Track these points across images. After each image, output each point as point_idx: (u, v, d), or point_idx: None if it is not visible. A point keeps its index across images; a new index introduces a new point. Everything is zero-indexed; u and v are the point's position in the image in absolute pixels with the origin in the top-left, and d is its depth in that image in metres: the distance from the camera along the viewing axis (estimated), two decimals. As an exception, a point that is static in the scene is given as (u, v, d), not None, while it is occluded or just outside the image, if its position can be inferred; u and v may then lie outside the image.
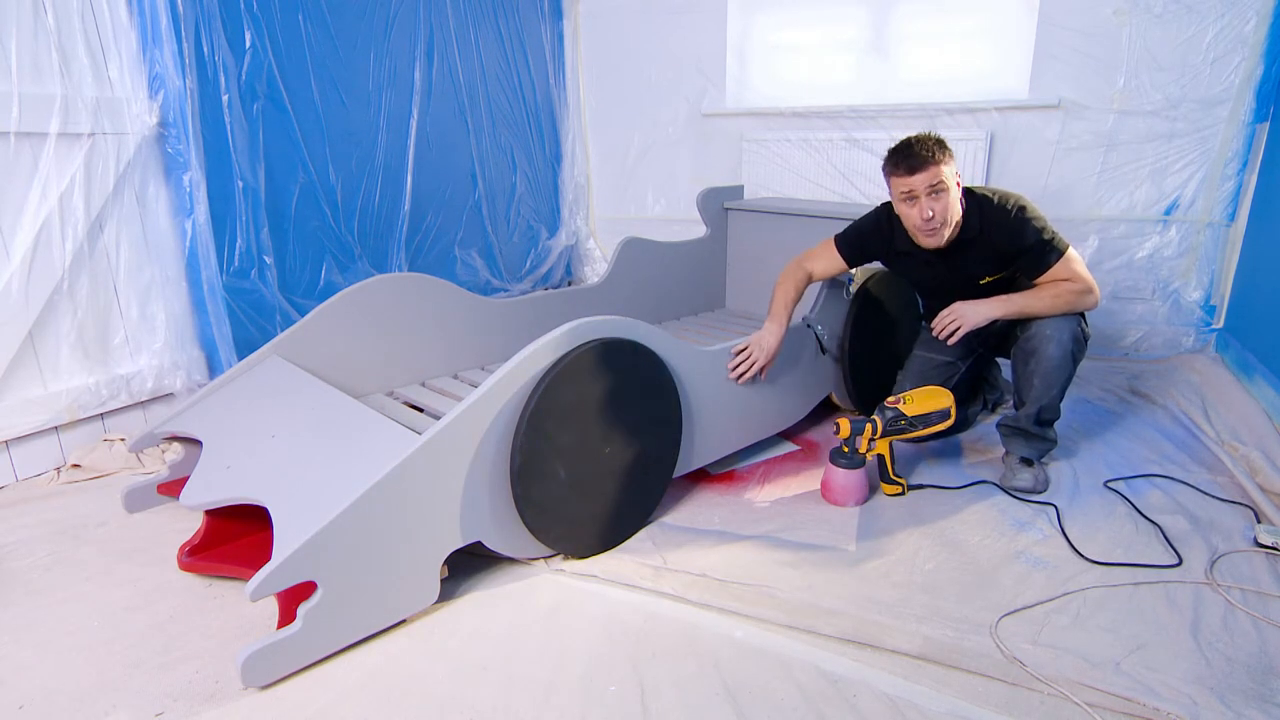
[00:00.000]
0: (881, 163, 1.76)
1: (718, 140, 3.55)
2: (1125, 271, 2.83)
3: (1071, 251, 1.75)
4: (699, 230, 2.93)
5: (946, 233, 1.74)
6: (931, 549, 1.61)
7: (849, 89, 3.25)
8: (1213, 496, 1.79)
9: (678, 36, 3.53)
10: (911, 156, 1.68)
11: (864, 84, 3.22)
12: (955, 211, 1.73)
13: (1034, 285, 1.80)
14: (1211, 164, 2.64)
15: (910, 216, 1.75)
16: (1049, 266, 1.74)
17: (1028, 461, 1.86)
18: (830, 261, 2.00)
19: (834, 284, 2.13)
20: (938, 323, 1.82)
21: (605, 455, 1.55)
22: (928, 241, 1.76)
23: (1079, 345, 1.78)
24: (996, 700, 1.18)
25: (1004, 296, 1.78)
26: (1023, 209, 1.75)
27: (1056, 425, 1.91)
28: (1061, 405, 1.85)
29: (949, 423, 1.84)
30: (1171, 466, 1.96)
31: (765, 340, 1.85)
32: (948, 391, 1.86)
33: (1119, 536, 1.64)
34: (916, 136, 1.71)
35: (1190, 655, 1.26)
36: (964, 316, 1.78)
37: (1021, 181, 2.90)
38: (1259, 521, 1.66)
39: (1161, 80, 2.63)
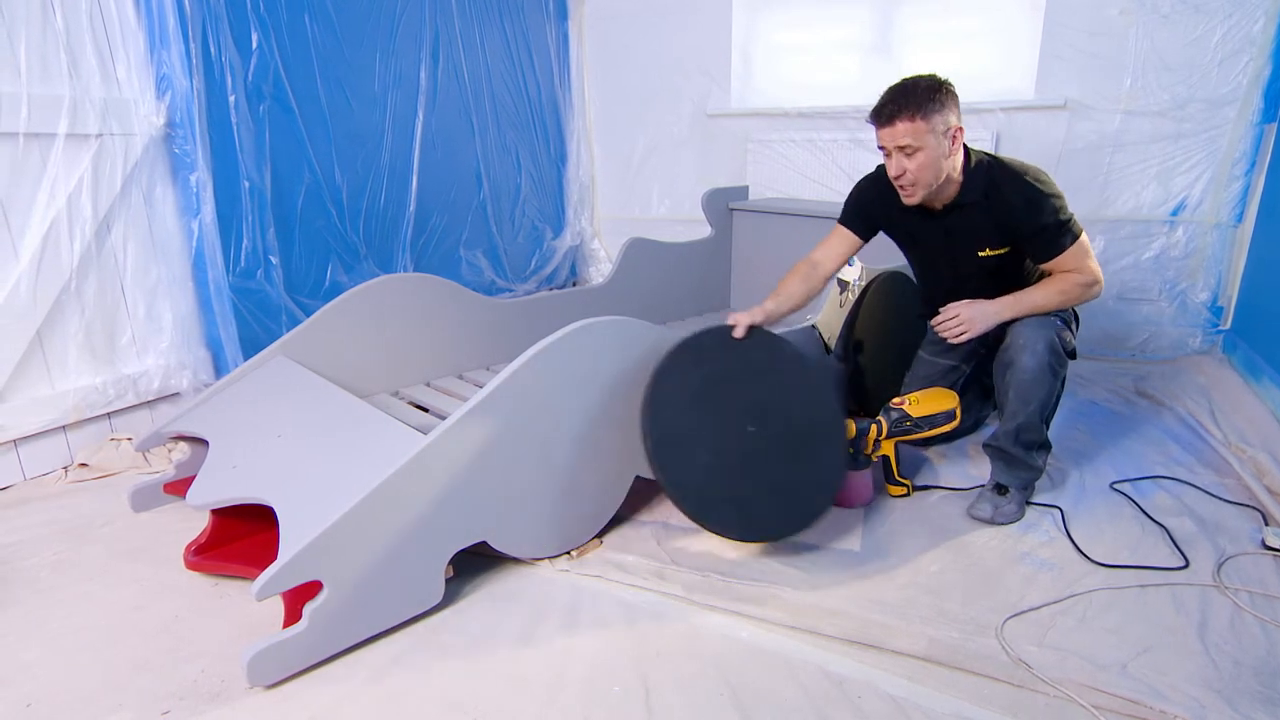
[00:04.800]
0: None
1: (722, 141, 3.55)
2: (1132, 272, 2.81)
3: (1084, 238, 1.62)
4: (704, 231, 2.93)
5: (921, 193, 1.61)
6: (936, 550, 1.60)
7: (854, 89, 3.24)
8: (1220, 499, 1.78)
9: (682, 37, 3.53)
10: (886, 104, 1.55)
11: (869, 84, 3.19)
12: (935, 173, 1.58)
13: (1038, 268, 1.70)
14: (1219, 165, 2.63)
15: (889, 169, 1.62)
16: (1062, 250, 1.60)
17: (1002, 489, 1.73)
18: (837, 242, 1.85)
19: (840, 285, 2.13)
20: (940, 322, 1.69)
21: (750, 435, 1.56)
22: (904, 199, 1.65)
23: (1057, 357, 1.64)
24: (1002, 702, 1.17)
25: (1014, 296, 1.66)
26: (1042, 182, 1.60)
27: (1048, 453, 1.76)
28: (1046, 427, 1.71)
29: (954, 424, 1.84)
30: (1178, 468, 1.95)
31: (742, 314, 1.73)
32: (953, 393, 1.85)
33: (1125, 538, 1.63)
34: (902, 83, 1.56)
35: (1197, 658, 1.25)
36: (972, 321, 1.65)
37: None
38: (1266, 524, 1.65)
39: (1168, 80, 2.62)
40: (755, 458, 1.56)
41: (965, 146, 1.64)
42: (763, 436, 1.56)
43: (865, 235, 1.85)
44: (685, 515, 1.52)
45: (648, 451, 1.51)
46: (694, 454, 1.53)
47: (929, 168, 1.57)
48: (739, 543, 1.58)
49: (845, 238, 1.85)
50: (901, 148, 1.56)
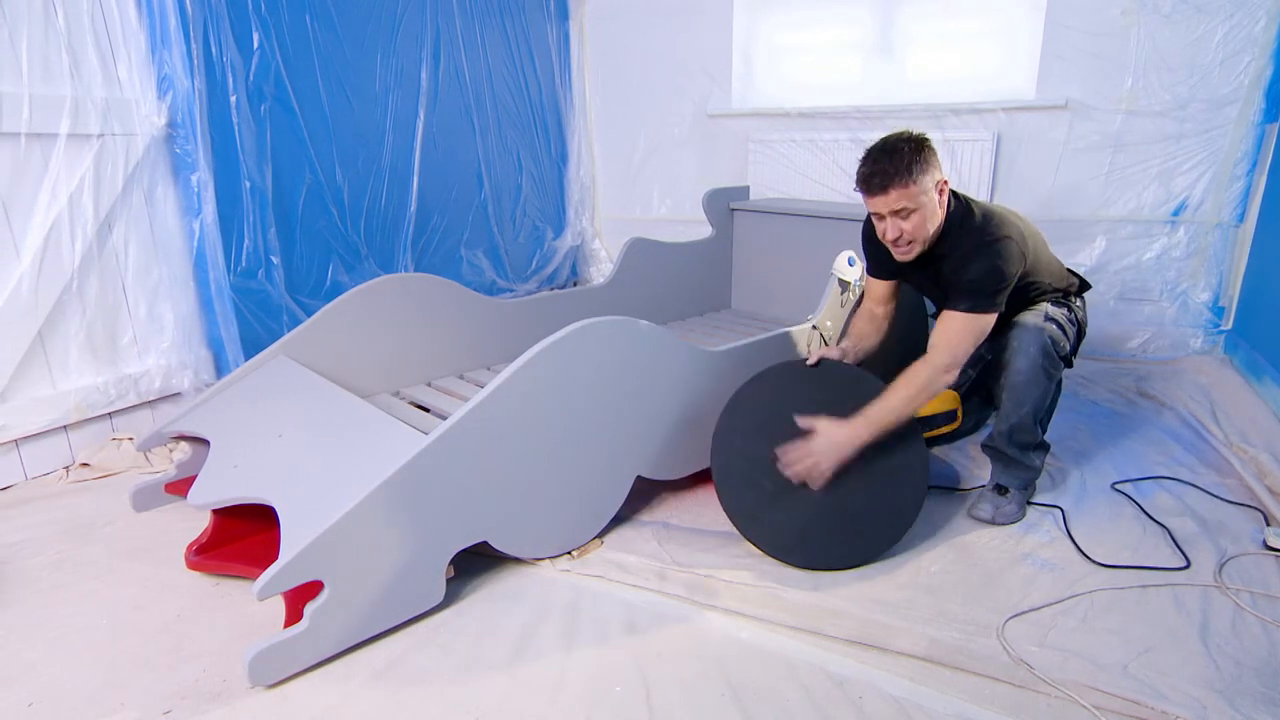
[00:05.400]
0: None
1: (723, 141, 3.55)
2: (1133, 273, 2.81)
3: (983, 320, 1.55)
4: (704, 231, 2.93)
5: (918, 249, 1.59)
6: (938, 550, 1.60)
7: (855, 90, 3.24)
8: (1221, 499, 1.78)
9: (683, 37, 3.53)
10: (874, 174, 1.52)
11: (870, 85, 3.21)
12: (930, 227, 1.57)
13: (1030, 295, 1.68)
14: (1220, 165, 2.63)
15: (881, 230, 1.61)
16: (954, 307, 1.56)
17: (1001, 490, 1.74)
18: (875, 288, 1.87)
19: (841, 285, 2.13)
20: (791, 468, 1.56)
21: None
22: (899, 259, 1.64)
23: (1051, 360, 1.64)
24: (1003, 703, 1.17)
25: (865, 415, 1.54)
26: (993, 246, 1.55)
27: (1046, 453, 1.77)
28: (1040, 428, 1.72)
29: (955, 425, 1.84)
30: (1179, 469, 1.95)
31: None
32: (954, 394, 1.85)
33: (1126, 539, 1.63)
34: (883, 147, 1.53)
35: (1198, 659, 1.25)
36: (823, 455, 1.52)
37: (1028, 182, 2.89)
38: (1268, 524, 1.65)
39: (1170, 81, 2.62)
40: (817, 491, 1.57)
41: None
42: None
43: (890, 276, 1.86)
44: (749, 542, 1.59)
45: (715, 481, 1.62)
46: (758, 484, 1.59)
47: (924, 225, 1.56)
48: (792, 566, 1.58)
49: (879, 283, 1.87)
50: (896, 212, 1.54)
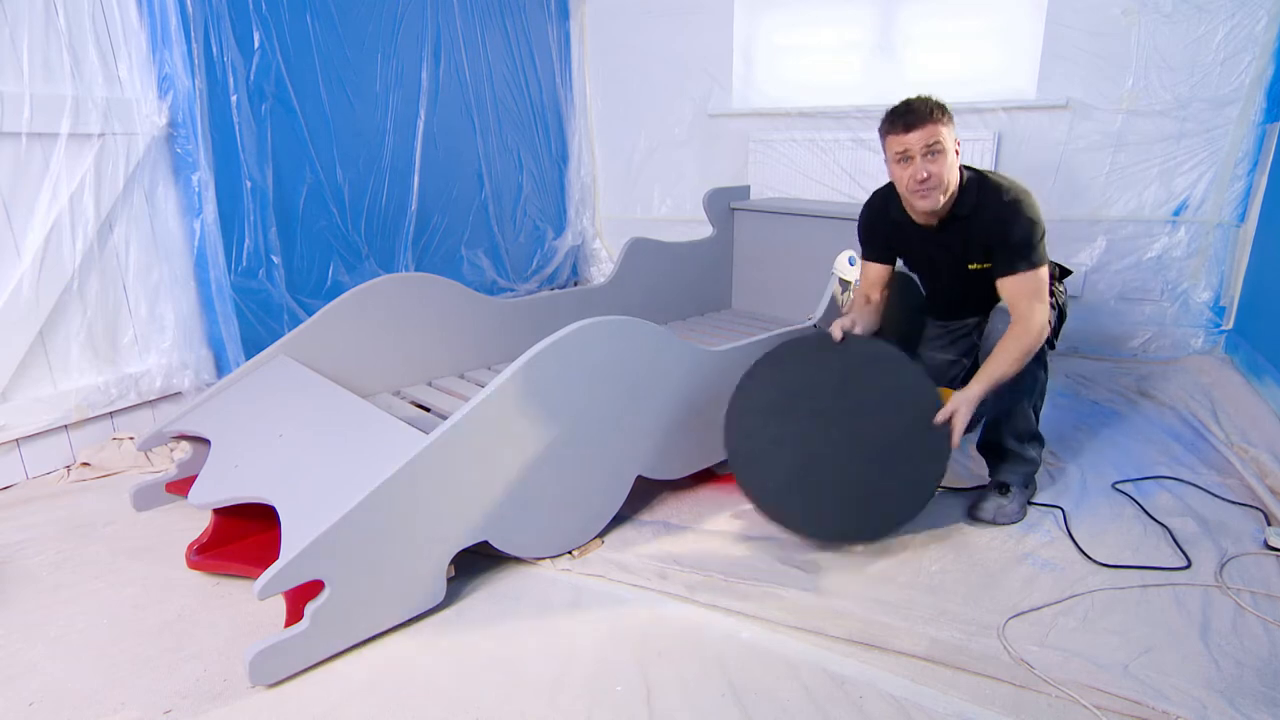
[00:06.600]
0: (879, 124, 1.68)
1: (724, 140, 3.55)
2: (1134, 272, 2.81)
3: (1042, 272, 1.62)
4: (705, 230, 2.93)
5: (941, 197, 1.64)
6: (938, 550, 1.60)
7: (856, 89, 3.24)
8: (1222, 499, 1.78)
9: (684, 37, 3.53)
10: (909, 114, 1.60)
11: (871, 84, 3.21)
12: (952, 177, 1.64)
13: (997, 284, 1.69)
14: (1221, 164, 2.63)
15: (903, 179, 1.65)
16: (1012, 271, 1.62)
17: (1003, 489, 1.74)
18: (870, 271, 1.91)
19: (843, 285, 2.13)
20: (953, 429, 1.61)
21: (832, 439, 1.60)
22: (921, 204, 1.66)
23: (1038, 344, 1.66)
24: (1003, 702, 1.17)
25: (980, 375, 1.63)
26: (1019, 202, 1.63)
27: (1042, 446, 1.79)
28: (1035, 418, 1.75)
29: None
30: (1180, 468, 1.95)
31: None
32: (955, 392, 1.85)
33: (1127, 539, 1.63)
34: (913, 98, 1.64)
35: (1199, 659, 1.25)
36: (966, 415, 1.60)
37: (1029, 182, 2.86)
38: (1269, 524, 1.65)
39: (1171, 80, 2.62)
40: (837, 462, 1.58)
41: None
42: (847, 442, 1.59)
43: (889, 259, 1.91)
44: (760, 512, 1.61)
45: (728, 451, 1.64)
46: (771, 455, 1.61)
47: (948, 172, 1.62)
48: (801, 536, 1.62)
49: (875, 268, 1.91)
50: (930, 145, 1.60)
